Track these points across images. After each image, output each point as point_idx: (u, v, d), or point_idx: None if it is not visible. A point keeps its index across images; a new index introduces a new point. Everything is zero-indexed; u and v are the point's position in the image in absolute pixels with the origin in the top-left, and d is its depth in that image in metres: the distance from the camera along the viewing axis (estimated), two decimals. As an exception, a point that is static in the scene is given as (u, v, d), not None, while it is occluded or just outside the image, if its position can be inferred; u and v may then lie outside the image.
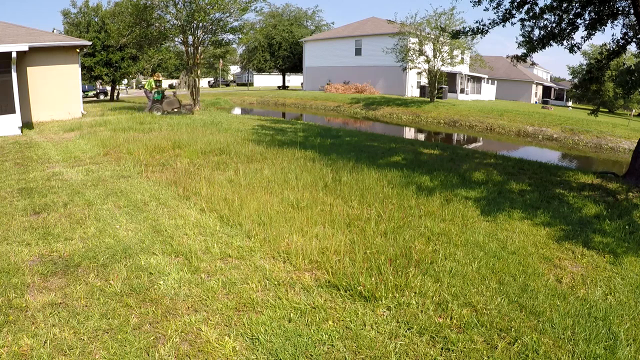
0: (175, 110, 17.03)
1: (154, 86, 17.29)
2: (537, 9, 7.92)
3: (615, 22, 7.92)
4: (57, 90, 14.39)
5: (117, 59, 24.92)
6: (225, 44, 19.40)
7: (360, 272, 3.28)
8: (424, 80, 32.25)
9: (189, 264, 3.50)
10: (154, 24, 16.92)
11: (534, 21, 8.06)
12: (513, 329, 2.71)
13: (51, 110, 14.25)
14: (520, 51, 8.49)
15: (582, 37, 9.30)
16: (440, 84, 31.29)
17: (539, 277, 3.44)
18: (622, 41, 8.02)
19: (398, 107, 27.54)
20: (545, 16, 7.96)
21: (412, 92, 35.52)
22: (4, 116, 11.02)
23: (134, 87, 56.78)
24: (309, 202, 4.96)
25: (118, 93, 32.42)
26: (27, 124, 12.67)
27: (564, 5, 7.61)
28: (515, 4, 7.89)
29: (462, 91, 34.67)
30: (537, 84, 46.51)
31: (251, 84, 63.88)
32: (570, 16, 7.94)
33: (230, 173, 6.42)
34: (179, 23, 16.77)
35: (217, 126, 12.06)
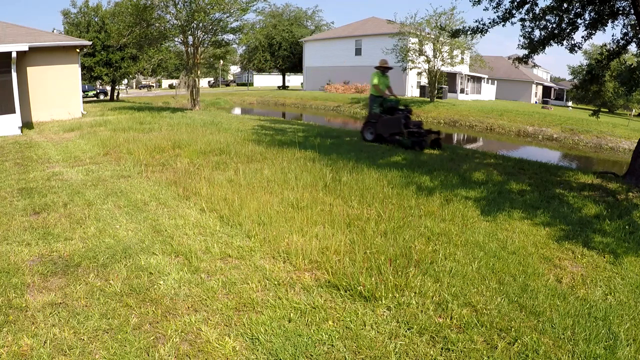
0: (400, 137, 9.19)
1: (379, 86, 9.65)
2: (537, 10, 7.94)
3: (616, 22, 7.93)
4: (57, 90, 14.39)
5: (117, 59, 24.93)
6: (225, 44, 19.37)
7: (360, 272, 3.28)
8: (424, 80, 32.26)
9: (189, 264, 3.50)
10: (154, 24, 16.91)
11: (535, 22, 8.07)
12: (513, 329, 2.71)
13: (51, 110, 14.25)
14: (522, 53, 8.52)
15: (582, 37, 9.31)
16: (440, 84, 31.30)
17: (539, 277, 3.44)
18: (622, 41, 8.02)
19: (398, 107, 27.48)
20: (545, 17, 7.97)
21: (412, 92, 35.53)
22: (4, 116, 11.02)
23: (134, 87, 56.78)
24: (308, 202, 4.96)
25: (118, 93, 32.46)
26: (27, 124, 12.67)
27: (565, 5, 7.62)
28: (515, 4, 7.90)
29: (462, 91, 34.69)
30: (537, 84, 46.52)
31: (251, 84, 63.89)
32: (571, 16, 7.94)
33: (230, 173, 6.42)
34: (179, 23, 16.78)
35: (217, 126, 12.06)
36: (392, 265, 3.43)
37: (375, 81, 9.76)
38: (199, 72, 18.58)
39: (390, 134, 9.39)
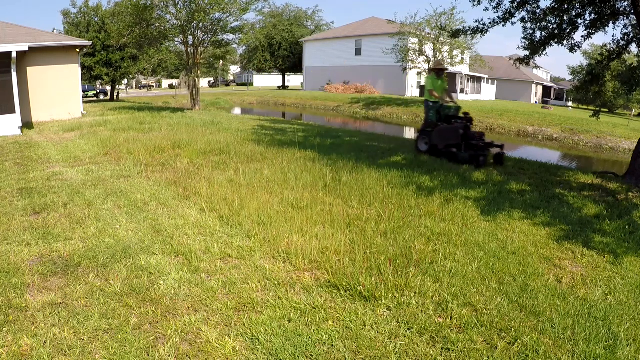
0: (455, 150, 7.92)
1: (434, 92, 8.46)
2: (538, 11, 7.95)
3: (617, 23, 7.94)
4: (57, 90, 14.39)
5: (117, 59, 24.92)
6: (225, 44, 19.37)
7: (360, 272, 3.28)
8: (424, 80, 32.26)
9: (189, 264, 3.50)
10: (154, 24, 16.91)
11: (536, 23, 8.09)
12: (513, 329, 2.71)
13: (51, 110, 14.24)
14: (523, 54, 8.54)
15: (582, 37, 9.33)
16: (440, 84, 31.24)
17: (539, 277, 3.44)
18: (623, 42, 8.03)
19: (398, 107, 27.53)
20: (547, 17, 7.99)
21: (412, 92, 35.53)
22: (4, 116, 11.02)
23: (134, 87, 56.80)
24: (308, 202, 4.96)
25: (118, 93, 32.46)
26: (27, 124, 12.67)
27: (565, 5, 7.63)
28: (515, 4, 7.91)
29: (462, 91, 34.67)
30: (537, 84, 46.52)
31: (251, 84, 63.90)
32: (571, 16, 7.95)
33: (230, 173, 6.42)
34: (179, 23, 16.78)
35: (217, 126, 12.06)
36: (392, 265, 3.43)
37: (430, 86, 8.64)
38: (199, 72, 18.58)
39: (446, 145, 8.08)
